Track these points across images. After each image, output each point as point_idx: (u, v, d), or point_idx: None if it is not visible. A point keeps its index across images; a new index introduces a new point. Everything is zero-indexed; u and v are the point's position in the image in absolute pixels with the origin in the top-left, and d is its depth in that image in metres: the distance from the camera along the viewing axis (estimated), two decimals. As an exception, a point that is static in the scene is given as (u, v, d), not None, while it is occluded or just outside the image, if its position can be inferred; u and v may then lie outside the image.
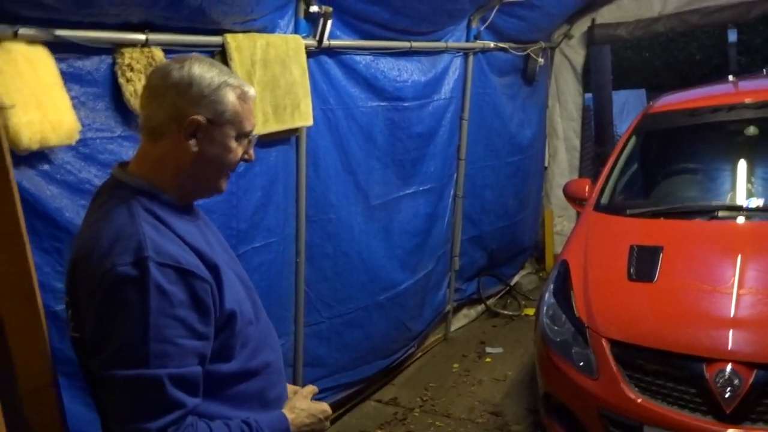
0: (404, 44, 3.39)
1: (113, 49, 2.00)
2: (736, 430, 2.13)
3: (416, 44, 3.47)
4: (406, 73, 3.51)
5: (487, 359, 4.06)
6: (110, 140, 2.03)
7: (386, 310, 3.55)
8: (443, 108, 3.90)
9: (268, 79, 2.52)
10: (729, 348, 2.24)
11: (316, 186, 3.01)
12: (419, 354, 4.10)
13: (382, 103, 3.36)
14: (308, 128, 2.86)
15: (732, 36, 9.29)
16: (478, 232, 4.56)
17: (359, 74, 3.17)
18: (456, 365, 4.01)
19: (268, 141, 2.62)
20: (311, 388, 1.54)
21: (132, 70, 2.02)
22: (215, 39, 2.33)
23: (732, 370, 2.17)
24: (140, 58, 2.04)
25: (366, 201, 3.34)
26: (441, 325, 4.38)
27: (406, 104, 3.52)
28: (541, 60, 4.81)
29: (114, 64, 2.01)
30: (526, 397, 3.47)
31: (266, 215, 2.71)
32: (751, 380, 2.13)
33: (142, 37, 2.04)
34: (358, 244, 3.29)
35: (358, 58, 3.15)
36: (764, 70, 4.86)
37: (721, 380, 2.17)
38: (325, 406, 1.50)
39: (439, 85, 3.82)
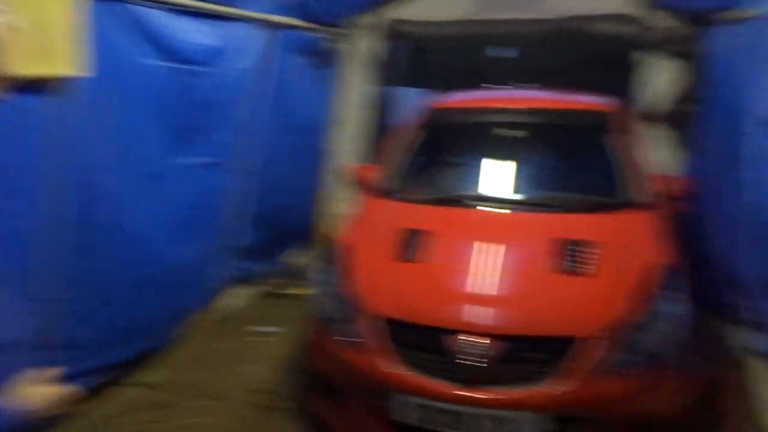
0: (201, 3, 3.15)
1: None
2: (473, 392, 2.39)
3: (214, 6, 3.26)
4: (201, 36, 3.29)
5: (261, 338, 4.01)
6: None
7: (154, 287, 3.30)
8: (237, 79, 3.74)
9: (32, 17, 2.15)
10: (473, 321, 2.51)
11: (82, 146, 2.66)
12: (189, 334, 3.90)
13: (171, 65, 3.10)
14: (80, 80, 2.51)
15: (512, 51, 10.63)
16: (259, 209, 4.47)
17: (147, 29, 2.89)
18: (228, 344, 3.89)
19: (27, 86, 2.25)
20: None
21: None
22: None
23: (475, 340, 2.43)
24: None
25: (141, 168, 3.06)
26: (215, 303, 4.22)
27: (197, 69, 3.30)
28: (338, 45, 4.87)
29: None
30: (297, 375, 3.49)
31: (14, 174, 2.32)
32: (491, 349, 2.41)
33: None
34: (128, 214, 3.00)
35: (148, 11, 2.86)
36: (534, 84, 5.55)
37: (465, 350, 2.42)
38: None
39: (236, 55, 3.66)
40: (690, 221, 4.71)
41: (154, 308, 3.38)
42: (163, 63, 3.03)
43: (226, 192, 3.92)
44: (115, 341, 3.13)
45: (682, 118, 4.91)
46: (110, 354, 3.11)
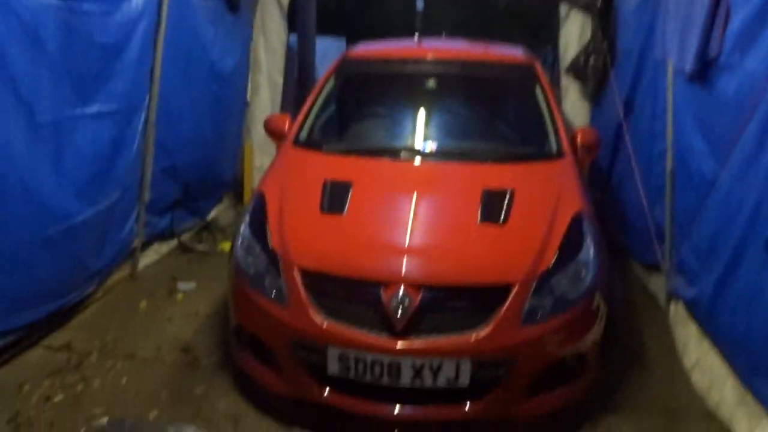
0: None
1: None
2: (404, 341, 2.39)
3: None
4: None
5: (179, 296, 3.87)
6: None
7: (57, 246, 3.06)
8: (134, 21, 3.45)
9: None
10: (402, 273, 2.49)
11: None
12: (100, 294, 3.69)
13: (53, 1, 2.80)
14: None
15: (420, 4, 10.79)
16: (172, 162, 4.24)
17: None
18: (144, 304, 3.72)
19: None
20: None
21: None
22: None
23: (404, 292, 2.42)
24: None
25: (30, 117, 2.78)
26: (127, 261, 4.00)
27: (85, 7, 3.01)
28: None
29: None
30: (218, 331, 3.40)
31: None
32: (418, 300, 2.41)
33: None
34: (19, 167, 2.74)
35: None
36: (443, 33, 5.54)
37: (394, 301, 2.41)
38: None
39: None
40: (603, 170, 4.94)
41: (61, 267, 3.15)
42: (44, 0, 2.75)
43: (131, 144, 3.66)
44: (19, 303, 2.90)
45: (593, 70, 5.06)
46: (10, 319, 2.88)
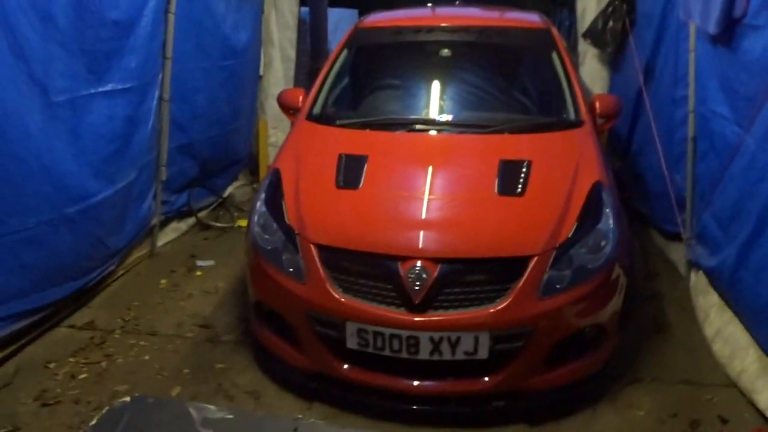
0: None
1: None
2: (421, 317, 2.39)
3: None
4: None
5: (198, 273, 3.90)
6: None
7: (77, 225, 3.09)
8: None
9: None
10: (419, 247, 2.47)
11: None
12: (121, 272, 3.74)
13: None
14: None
15: None
16: (188, 139, 4.24)
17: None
18: (163, 281, 3.76)
19: None
20: None
21: None
22: None
23: (421, 266, 2.41)
24: None
25: (45, 95, 2.78)
26: (146, 240, 4.04)
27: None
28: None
29: None
30: (237, 308, 3.43)
31: None
32: (435, 274, 2.39)
33: None
34: (36, 146, 2.75)
35: None
36: (456, 1, 5.42)
37: (412, 275, 2.39)
38: None
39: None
40: (623, 137, 4.85)
41: (82, 246, 3.18)
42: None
43: (146, 122, 3.65)
44: (42, 282, 2.95)
45: (612, 34, 4.93)
46: (34, 297, 2.93)
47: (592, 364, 2.62)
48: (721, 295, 3.03)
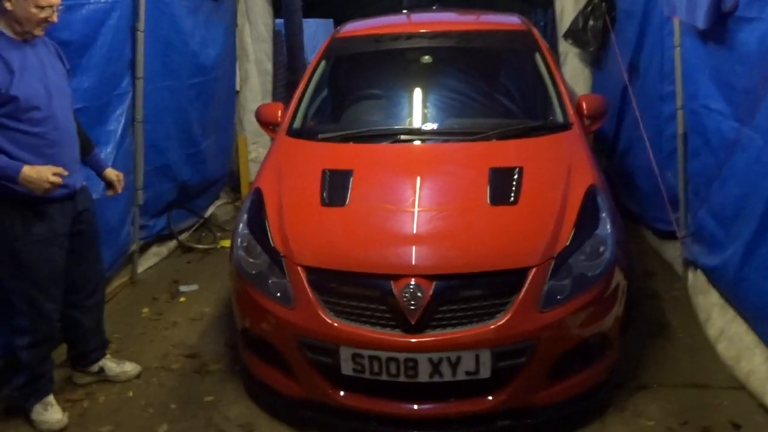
0: None
1: None
2: (418, 338, 2.27)
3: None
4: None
5: (182, 299, 3.75)
6: None
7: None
8: (103, 13, 3.28)
9: None
10: (412, 264, 2.36)
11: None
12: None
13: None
14: None
15: None
16: (165, 161, 4.10)
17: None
18: (146, 310, 3.61)
19: None
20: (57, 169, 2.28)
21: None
22: None
23: (415, 284, 2.29)
24: None
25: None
26: (126, 267, 3.89)
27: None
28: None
29: None
30: (224, 334, 3.29)
31: None
32: (431, 292, 2.28)
33: None
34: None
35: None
36: (433, 6, 5.34)
37: (406, 294, 2.28)
38: (56, 169, 2.27)
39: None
40: (608, 135, 4.79)
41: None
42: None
43: (109, 143, 3.48)
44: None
45: (593, 33, 4.88)
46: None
47: (596, 374, 2.53)
48: (722, 294, 2.95)
